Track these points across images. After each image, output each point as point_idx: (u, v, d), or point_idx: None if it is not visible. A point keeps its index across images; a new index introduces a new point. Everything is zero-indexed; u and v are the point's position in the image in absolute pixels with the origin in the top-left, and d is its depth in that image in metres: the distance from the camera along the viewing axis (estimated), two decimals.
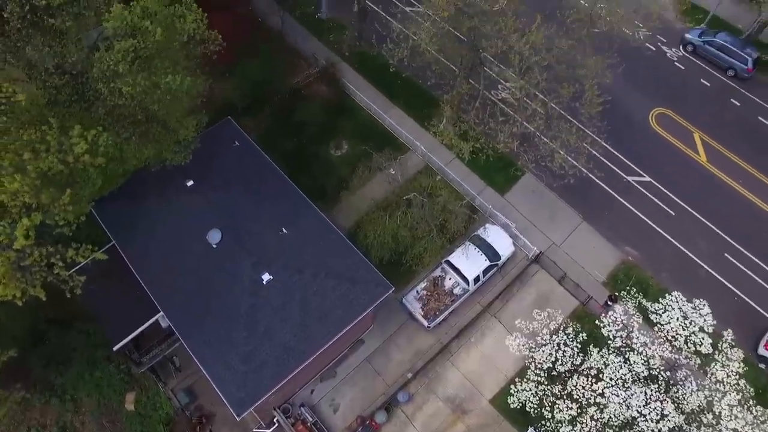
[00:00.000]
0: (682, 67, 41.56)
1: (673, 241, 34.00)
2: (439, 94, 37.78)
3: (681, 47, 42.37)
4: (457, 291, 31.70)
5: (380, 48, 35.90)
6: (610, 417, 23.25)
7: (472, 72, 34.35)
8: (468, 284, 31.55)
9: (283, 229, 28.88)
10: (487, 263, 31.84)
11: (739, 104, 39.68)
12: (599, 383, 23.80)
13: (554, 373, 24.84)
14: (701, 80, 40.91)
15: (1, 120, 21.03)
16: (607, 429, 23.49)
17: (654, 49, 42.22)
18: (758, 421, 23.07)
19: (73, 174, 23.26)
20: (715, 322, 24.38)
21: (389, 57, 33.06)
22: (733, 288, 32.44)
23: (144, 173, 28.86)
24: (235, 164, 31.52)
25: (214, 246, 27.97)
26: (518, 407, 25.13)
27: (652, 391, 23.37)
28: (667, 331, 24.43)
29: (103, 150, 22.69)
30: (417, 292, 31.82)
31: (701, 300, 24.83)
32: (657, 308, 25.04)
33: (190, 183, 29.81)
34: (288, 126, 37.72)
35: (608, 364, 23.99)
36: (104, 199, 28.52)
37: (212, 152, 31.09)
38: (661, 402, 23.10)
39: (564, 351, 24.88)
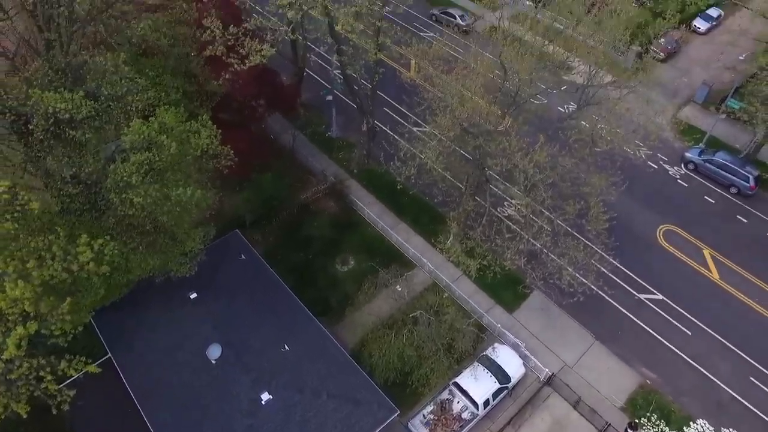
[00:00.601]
0: (685, 185, 42.38)
1: (693, 362, 32.45)
2: (445, 211, 38.28)
3: (682, 165, 43.57)
4: (465, 415, 29.87)
5: (388, 166, 37.03)
6: None
7: (478, 189, 35.03)
8: (477, 408, 29.80)
9: (285, 346, 28.20)
10: (497, 386, 30.30)
11: (746, 221, 39.92)
12: None
13: None
14: (705, 197, 41.53)
15: (12, 227, 21.16)
16: None
17: (656, 167, 43.38)
18: None
19: (76, 282, 23.04)
20: None
21: (397, 174, 33.90)
22: (763, 416, 30.32)
23: (148, 284, 28.59)
24: (239, 278, 31.37)
25: (213, 362, 27.15)
26: None
27: None
28: None
29: (109, 259, 22.65)
30: (423, 416, 30.02)
31: (730, 430, 23.13)
32: None
33: (193, 295, 29.58)
34: (295, 240, 37.94)
35: None
36: (105, 309, 28.00)
37: (218, 265, 31.12)
38: None
39: None
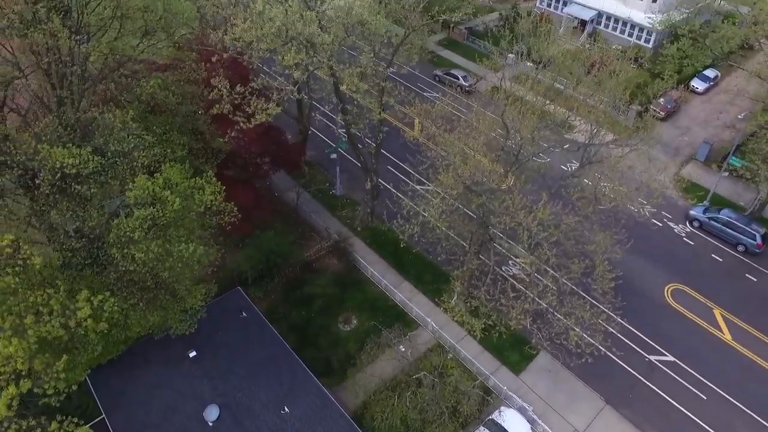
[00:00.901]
0: (691, 243, 42.08)
1: (710, 429, 31.10)
2: (449, 270, 37.90)
3: (687, 223, 43.47)
4: None
5: (391, 224, 36.93)
6: None
7: (482, 248, 34.78)
8: None
9: (285, 408, 27.45)
10: None
11: (755, 280, 39.35)
12: None
13: None
14: (712, 255, 41.15)
15: (13, 281, 20.95)
16: None
17: (660, 224, 43.24)
18: None
19: (73, 339, 22.60)
20: None
21: (400, 233, 33.77)
22: None
23: (146, 341, 28.07)
24: (240, 336, 30.85)
25: (210, 424, 26.40)
26: None
27: None
28: None
29: (108, 315, 22.31)
30: None
31: None
32: None
33: (192, 353, 29.07)
34: (297, 298, 37.49)
35: None
36: (101, 367, 27.37)
37: (218, 323, 30.70)
38: None
39: None
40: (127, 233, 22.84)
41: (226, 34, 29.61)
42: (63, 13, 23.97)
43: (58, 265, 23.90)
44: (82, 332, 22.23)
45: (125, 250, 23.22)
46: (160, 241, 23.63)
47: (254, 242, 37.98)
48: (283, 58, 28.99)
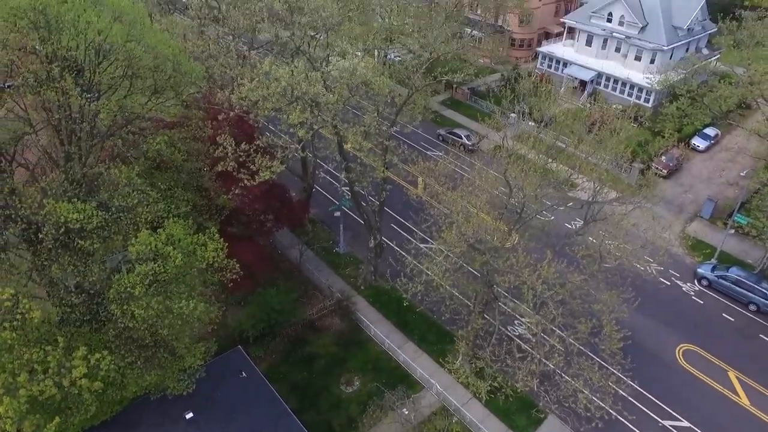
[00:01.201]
0: (701, 302, 41.29)
1: None
2: (454, 329, 37.21)
3: (696, 281, 42.81)
4: None
5: (395, 282, 36.55)
6: None
7: (487, 307, 34.24)
8: None
9: None
10: None
11: None
12: None
13: None
14: (724, 315, 40.29)
15: (10, 336, 20.50)
16: None
17: (668, 283, 42.59)
18: None
19: (66, 399, 21.92)
20: None
21: (404, 291, 33.39)
22: None
23: (142, 401, 27.21)
24: (239, 397, 29.96)
25: None
26: None
27: None
28: None
29: (104, 374, 21.73)
30: None
31: None
32: None
33: (189, 415, 28.12)
34: (299, 358, 36.68)
35: None
36: (94, 428, 26.42)
37: (217, 382, 29.93)
38: None
39: None
40: (128, 289, 22.58)
41: (232, 93, 30.28)
42: (76, 72, 24.59)
43: (56, 321, 23.52)
44: (76, 392, 21.59)
45: (125, 307, 22.90)
46: (160, 298, 23.32)
47: (256, 300, 37.56)
48: (288, 117, 29.49)
